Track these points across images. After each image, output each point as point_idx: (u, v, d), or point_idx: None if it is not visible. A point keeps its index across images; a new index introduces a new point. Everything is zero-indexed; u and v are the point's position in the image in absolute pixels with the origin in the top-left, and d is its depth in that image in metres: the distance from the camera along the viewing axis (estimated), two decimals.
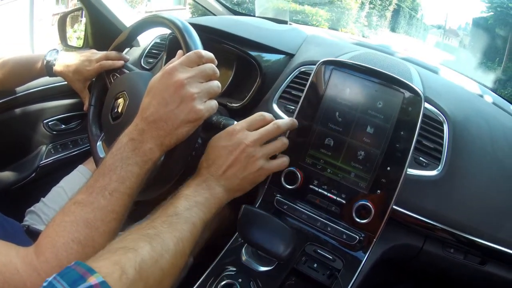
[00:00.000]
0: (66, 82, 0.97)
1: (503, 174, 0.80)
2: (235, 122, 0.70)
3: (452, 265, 0.81)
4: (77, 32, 1.36)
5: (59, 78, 0.99)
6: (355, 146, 0.70)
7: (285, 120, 0.69)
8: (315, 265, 0.72)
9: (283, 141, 0.68)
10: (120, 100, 0.78)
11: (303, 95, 0.75)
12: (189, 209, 0.56)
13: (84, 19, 1.32)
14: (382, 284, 1.11)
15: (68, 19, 1.27)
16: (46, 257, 0.50)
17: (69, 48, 1.30)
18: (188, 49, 0.65)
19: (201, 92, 0.58)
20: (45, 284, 0.39)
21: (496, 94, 1.10)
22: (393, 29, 10.51)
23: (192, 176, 0.64)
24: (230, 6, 1.60)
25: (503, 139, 0.85)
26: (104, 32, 1.25)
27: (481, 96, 1.03)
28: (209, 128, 0.74)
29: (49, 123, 1.18)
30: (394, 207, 0.71)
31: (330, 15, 7.16)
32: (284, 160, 0.69)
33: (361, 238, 0.71)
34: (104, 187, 0.55)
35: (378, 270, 0.77)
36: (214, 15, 1.55)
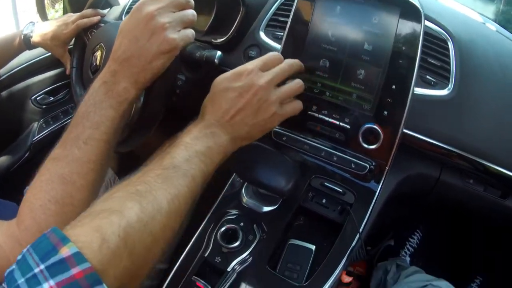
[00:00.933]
0: (48, 54, 0.97)
1: None
2: (219, 53, 0.65)
3: (471, 197, 0.74)
4: (59, 12, 1.34)
5: (39, 52, 0.99)
6: (353, 65, 0.64)
7: (295, 60, 0.61)
8: (324, 200, 0.66)
9: (300, 83, 0.60)
10: (98, 53, 0.75)
11: (290, 17, 0.69)
12: (189, 160, 0.48)
13: None
14: (397, 220, 1.03)
15: (47, 0, 1.26)
16: (26, 225, 0.46)
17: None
18: None
19: (173, 21, 0.53)
20: (19, 257, 0.34)
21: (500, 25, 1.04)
22: None
23: (193, 122, 0.57)
24: None
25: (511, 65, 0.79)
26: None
27: (484, 23, 0.97)
28: (193, 65, 0.70)
29: (37, 98, 1.16)
30: (405, 130, 0.65)
31: None
32: (298, 103, 0.61)
33: (371, 166, 0.65)
34: (78, 137, 0.51)
35: (393, 206, 0.70)
36: None
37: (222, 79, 0.56)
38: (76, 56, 0.90)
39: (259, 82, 0.53)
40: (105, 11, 0.99)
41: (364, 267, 0.98)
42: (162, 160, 0.47)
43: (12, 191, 0.88)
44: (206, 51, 0.69)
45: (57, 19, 0.94)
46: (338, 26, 0.65)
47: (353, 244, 0.61)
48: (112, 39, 0.74)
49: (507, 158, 0.68)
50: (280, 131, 0.68)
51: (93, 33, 0.86)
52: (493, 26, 0.97)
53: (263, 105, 0.54)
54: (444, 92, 0.68)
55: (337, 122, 0.65)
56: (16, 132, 1.15)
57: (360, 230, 0.63)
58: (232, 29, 0.82)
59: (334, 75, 0.65)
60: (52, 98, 1.18)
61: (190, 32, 0.56)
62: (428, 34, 0.72)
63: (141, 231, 0.39)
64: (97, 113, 0.52)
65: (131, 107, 0.56)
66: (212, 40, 0.83)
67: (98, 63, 0.74)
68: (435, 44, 0.71)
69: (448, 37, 0.72)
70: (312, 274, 0.60)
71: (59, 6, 1.28)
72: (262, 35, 0.80)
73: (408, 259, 0.96)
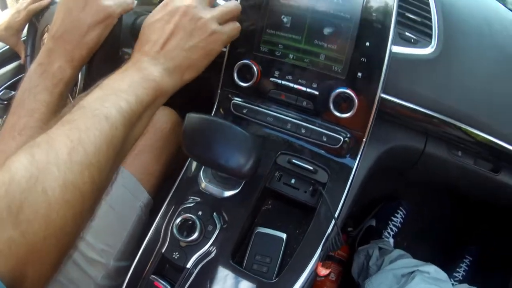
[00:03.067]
0: (4, 48, 0.96)
1: (507, 61, 0.65)
2: None
3: (460, 172, 0.67)
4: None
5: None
6: (319, 20, 0.54)
7: None
8: (293, 180, 0.57)
9: (236, 4, 0.52)
10: (46, 35, 0.71)
11: None
12: (101, 98, 0.38)
13: None
14: (380, 200, 0.96)
15: None
16: None
17: None
18: None
19: None
20: None
21: None
22: None
23: None
24: None
25: (498, 23, 0.71)
26: None
27: None
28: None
29: None
30: (383, 95, 0.56)
31: None
32: (237, 24, 0.52)
33: (346, 138, 0.56)
34: (13, 127, 0.47)
35: (374, 183, 0.62)
36: None
37: (149, 15, 0.49)
38: (30, 44, 0.86)
39: (185, 2, 0.47)
40: None
41: (347, 251, 0.91)
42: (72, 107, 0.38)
43: None
44: None
45: (11, 9, 0.91)
46: None
47: (329, 231, 0.53)
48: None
49: (499, 125, 0.60)
50: (240, 102, 0.59)
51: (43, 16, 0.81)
52: None
53: (198, 24, 0.46)
54: (427, 50, 0.59)
55: (304, 88, 0.56)
56: None
57: (336, 214, 0.54)
58: None
59: (298, 34, 0.55)
60: (13, 92, 1.08)
61: None
62: None
63: (30, 190, 0.30)
64: (31, 99, 0.49)
65: (68, 88, 0.51)
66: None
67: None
68: None
69: None
70: (284, 267, 0.52)
71: None
72: None
73: (391, 240, 0.89)
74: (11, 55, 1.07)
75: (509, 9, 0.87)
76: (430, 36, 0.61)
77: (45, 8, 0.83)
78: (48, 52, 0.50)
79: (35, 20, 0.85)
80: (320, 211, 0.55)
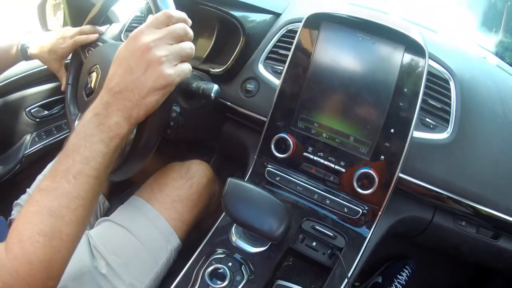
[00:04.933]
0: (44, 67, 0.94)
1: None
2: (217, 87, 0.62)
3: (463, 239, 0.74)
4: (60, 20, 1.30)
5: (37, 63, 0.95)
6: (352, 107, 0.62)
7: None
8: (314, 243, 0.64)
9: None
10: (93, 74, 0.72)
11: (290, 53, 0.66)
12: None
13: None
14: (389, 258, 1.03)
15: (49, 7, 1.21)
16: (14, 253, 0.45)
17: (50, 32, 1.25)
18: (157, 9, 0.57)
19: (170, 54, 0.50)
20: None
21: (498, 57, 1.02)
22: None
23: None
24: None
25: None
26: (80, 9, 1.16)
27: (485, 58, 0.95)
28: (189, 95, 0.66)
29: (32, 111, 1.12)
30: (401, 175, 0.63)
31: None
32: (187, 66, 0.53)
33: (364, 211, 0.63)
34: (68, 170, 0.48)
35: (384, 245, 0.69)
36: None
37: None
38: (72, 73, 0.87)
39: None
40: (104, 27, 0.96)
41: None
42: None
43: (1, 203, 0.86)
44: (203, 83, 0.65)
45: (56, 32, 0.91)
46: (340, 66, 0.63)
47: None
48: (108, 62, 0.69)
49: (503, 201, 0.67)
50: (274, 170, 0.66)
51: (90, 51, 0.83)
52: (494, 60, 0.95)
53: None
54: (443, 135, 0.67)
55: (333, 165, 0.63)
56: (8, 143, 1.11)
57: (349, 275, 0.61)
58: (231, 59, 0.79)
59: (332, 116, 0.63)
60: (46, 112, 1.15)
61: (187, 67, 0.52)
62: (430, 73, 0.69)
63: None
64: (87, 147, 0.49)
65: (123, 142, 0.53)
66: (210, 69, 0.80)
67: (92, 86, 0.71)
68: (437, 85, 0.69)
69: (451, 77, 0.70)
70: None
71: (61, 14, 1.23)
72: (261, 68, 0.77)
73: None
74: (47, 75, 1.11)
75: None
76: (447, 121, 0.68)
77: (92, 42, 0.85)
78: (105, 105, 0.51)
79: (81, 51, 0.87)
80: (336, 271, 0.62)
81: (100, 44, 0.83)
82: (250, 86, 0.75)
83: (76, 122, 0.79)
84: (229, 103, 0.77)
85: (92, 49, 0.83)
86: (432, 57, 0.71)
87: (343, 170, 0.63)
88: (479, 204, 0.67)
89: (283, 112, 0.62)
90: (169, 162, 0.80)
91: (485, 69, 0.84)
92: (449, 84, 0.70)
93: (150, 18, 0.53)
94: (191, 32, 0.53)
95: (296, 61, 0.66)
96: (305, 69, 0.64)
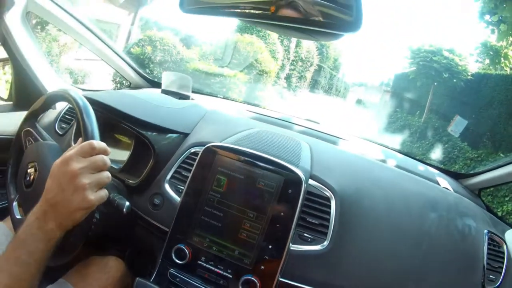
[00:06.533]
0: None
1: (401, 238, 0.85)
2: (128, 204, 0.76)
3: None
4: (6, 75, 1.45)
5: None
6: (237, 227, 0.77)
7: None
8: None
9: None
10: (31, 170, 0.85)
11: (189, 177, 0.82)
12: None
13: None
14: None
15: None
16: None
17: None
18: (85, 136, 0.73)
19: (92, 182, 0.67)
20: None
21: (405, 155, 1.17)
22: (312, 90, 10.80)
23: None
24: (145, 75, 1.74)
25: (401, 203, 0.91)
26: (26, 91, 1.34)
27: (384, 161, 1.10)
28: (106, 203, 0.81)
29: None
30: (281, 279, 0.77)
31: (249, 77, 7.08)
32: (105, 192, 0.70)
33: None
34: (17, 258, 0.64)
35: None
36: (130, 82, 1.71)
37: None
38: (13, 157, 0.99)
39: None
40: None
41: None
42: None
43: None
44: (118, 197, 0.79)
45: None
46: (230, 192, 0.79)
47: None
48: (44, 162, 0.84)
49: None
50: (175, 273, 0.80)
51: (30, 142, 0.95)
52: (394, 161, 1.09)
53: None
54: (318, 247, 0.80)
55: (221, 272, 0.78)
56: None
57: None
58: (142, 174, 0.93)
59: (221, 233, 0.78)
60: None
61: (105, 193, 0.69)
62: (311, 193, 0.83)
63: None
64: (32, 244, 0.65)
65: (57, 243, 0.69)
66: (126, 179, 0.95)
67: (31, 179, 0.84)
68: (317, 203, 0.83)
69: (332, 195, 0.84)
70: None
71: (8, 69, 1.39)
72: (167, 186, 0.91)
73: None
74: None
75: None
76: (325, 234, 0.81)
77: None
78: (43, 212, 0.66)
79: (22, 137, 0.97)
80: None
81: (38, 138, 0.94)
82: (157, 201, 0.90)
83: (14, 203, 0.92)
84: (139, 212, 0.91)
85: (32, 140, 0.95)
86: (316, 178, 0.86)
87: (230, 276, 0.77)
88: None
89: (181, 227, 0.77)
90: (90, 253, 0.94)
91: (377, 177, 0.97)
92: (329, 202, 0.84)
93: (78, 146, 0.69)
94: (108, 163, 0.70)
95: (192, 186, 0.81)
96: (201, 193, 0.80)
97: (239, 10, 0.63)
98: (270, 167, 0.79)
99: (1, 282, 0.62)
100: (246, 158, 0.81)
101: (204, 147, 0.84)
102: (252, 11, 0.61)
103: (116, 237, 1.04)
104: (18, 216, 0.90)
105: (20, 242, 0.66)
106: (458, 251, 0.88)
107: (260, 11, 0.60)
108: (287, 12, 0.58)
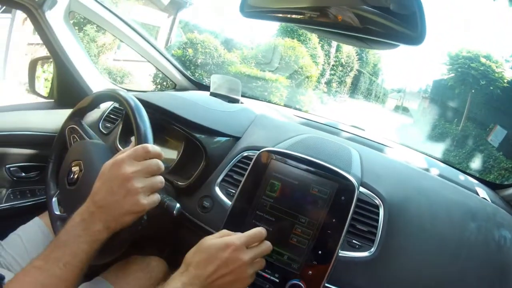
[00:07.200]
0: (29, 132, 1.08)
1: (442, 247, 0.84)
2: (178, 205, 0.78)
3: None
4: (46, 73, 1.46)
5: (21, 127, 1.09)
6: (288, 232, 0.77)
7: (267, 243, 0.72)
8: None
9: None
10: (76, 168, 0.84)
11: (242, 181, 0.82)
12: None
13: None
14: None
15: (39, 62, 1.37)
16: None
17: (35, 95, 1.39)
18: (138, 138, 0.73)
19: (145, 187, 0.65)
20: None
21: (446, 164, 1.14)
22: (352, 95, 10.81)
23: (178, 270, 0.66)
24: (191, 77, 1.72)
25: (444, 212, 0.90)
26: (68, 89, 1.34)
27: (427, 170, 1.07)
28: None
29: (11, 169, 1.21)
30: (327, 285, 0.77)
31: (290, 82, 7.14)
32: (157, 197, 0.69)
33: None
34: (58, 259, 0.63)
35: None
36: (175, 84, 1.70)
37: (209, 244, 0.66)
38: (56, 152, 0.98)
39: (243, 258, 0.65)
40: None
41: None
42: None
43: None
44: (168, 199, 0.80)
45: None
46: (282, 197, 0.79)
47: None
48: (90, 161, 0.84)
49: None
50: None
51: (75, 139, 0.95)
52: (436, 170, 1.07)
53: (240, 277, 0.65)
54: (365, 254, 0.80)
55: (269, 276, 0.78)
56: None
57: None
58: (193, 176, 0.94)
59: (271, 238, 0.78)
60: (23, 174, 1.24)
61: (157, 197, 0.68)
62: (361, 200, 0.83)
63: None
64: (75, 244, 0.64)
65: (102, 245, 0.68)
66: (175, 181, 0.95)
67: (75, 178, 0.84)
68: (366, 211, 0.83)
69: (380, 203, 0.84)
70: None
71: (48, 67, 1.41)
72: (217, 189, 0.92)
73: None
74: (29, 141, 1.22)
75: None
76: (373, 241, 0.81)
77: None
78: (90, 213, 0.65)
79: (67, 135, 0.97)
80: None
81: (84, 136, 0.95)
82: (206, 203, 0.90)
83: (54, 199, 0.92)
84: (187, 214, 0.92)
85: (77, 138, 0.95)
86: (366, 185, 0.85)
87: (277, 280, 0.77)
88: None
89: (231, 230, 0.77)
90: (128, 252, 0.92)
91: (422, 185, 0.97)
92: (378, 209, 0.84)
93: (131, 149, 0.68)
94: (162, 167, 0.69)
95: (245, 190, 0.82)
96: (253, 197, 0.80)
97: (300, 17, 0.63)
98: (325, 173, 0.79)
99: (40, 282, 0.61)
100: (301, 164, 0.81)
101: (258, 152, 0.84)
102: (316, 19, 0.61)
103: (157, 237, 1.06)
104: (57, 212, 0.91)
105: (62, 243, 0.64)
106: (493, 262, 0.86)
107: (323, 19, 0.60)
108: (351, 21, 0.57)
